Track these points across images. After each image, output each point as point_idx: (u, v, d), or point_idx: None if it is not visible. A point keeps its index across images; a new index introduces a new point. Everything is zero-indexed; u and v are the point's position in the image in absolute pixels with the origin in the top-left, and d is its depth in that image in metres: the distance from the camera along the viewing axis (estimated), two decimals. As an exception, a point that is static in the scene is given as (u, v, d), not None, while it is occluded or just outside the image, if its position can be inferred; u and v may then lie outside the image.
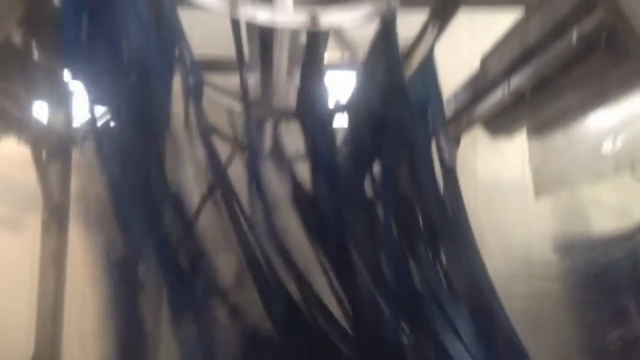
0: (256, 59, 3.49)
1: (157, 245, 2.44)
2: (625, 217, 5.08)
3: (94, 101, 2.45)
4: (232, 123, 3.66)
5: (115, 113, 2.48)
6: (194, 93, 2.74)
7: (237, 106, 3.40)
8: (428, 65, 3.03)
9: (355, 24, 2.69)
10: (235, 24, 2.75)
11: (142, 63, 2.43)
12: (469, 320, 2.77)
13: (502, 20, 4.21)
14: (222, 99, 3.59)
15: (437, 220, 2.91)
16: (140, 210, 2.42)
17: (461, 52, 5.01)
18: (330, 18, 2.64)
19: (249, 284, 2.76)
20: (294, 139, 3.67)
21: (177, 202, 2.53)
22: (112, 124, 2.50)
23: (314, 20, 2.60)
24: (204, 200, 2.88)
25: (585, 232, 5.37)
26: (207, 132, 2.78)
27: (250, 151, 2.94)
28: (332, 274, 2.99)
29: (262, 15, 2.61)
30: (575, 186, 5.08)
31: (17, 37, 3.59)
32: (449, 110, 4.73)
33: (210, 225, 2.83)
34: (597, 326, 4.83)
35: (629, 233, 4.88)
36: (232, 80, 3.56)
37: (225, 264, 2.82)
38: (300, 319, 2.86)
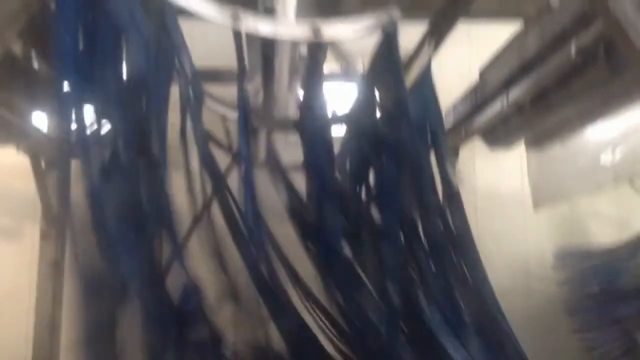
0: (254, 70, 3.50)
1: (142, 269, 2.33)
2: (624, 229, 5.09)
3: (84, 111, 2.39)
4: (226, 131, 3.64)
5: (110, 124, 2.44)
6: (193, 105, 2.74)
7: (234, 115, 3.40)
8: (426, 80, 3.03)
9: (357, 36, 2.70)
10: (237, 36, 2.76)
11: (141, 75, 2.42)
12: (473, 331, 2.76)
13: (501, 32, 4.23)
14: (219, 109, 3.59)
15: (439, 233, 2.90)
16: (125, 228, 2.32)
17: (460, 63, 5.03)
18: (332, 30, 2.64)
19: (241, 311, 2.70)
20: (286, 150, 3.67)
21: (168, 222, 2.44)
22: (102, 133, 2.43)
23: (316, 32, 2.60)
24: (196, 220, 2.84)
25: (584, 244, 5.37)
26: (205, 144, 2.77)
27: (245, 161, 2.91)
28: (327, 286, 2.97)
29: (265, 28, 2.62)
30: (574, 198, 5.09)
31: (17, 47, 3.61)
32: (448, 122, 4.75)
33: (201, 249, 2.77)
34: (597, 336, 4.83)
35: (627, 244, 4.88)
36: (227, 91, 3.57)
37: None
38: (306, 334, 2.84)
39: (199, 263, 2.66)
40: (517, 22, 4.01)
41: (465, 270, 2.92)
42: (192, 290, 2.44)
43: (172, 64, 2.58)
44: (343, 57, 4.20)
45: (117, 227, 2.31)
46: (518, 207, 5.54)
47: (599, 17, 2.88)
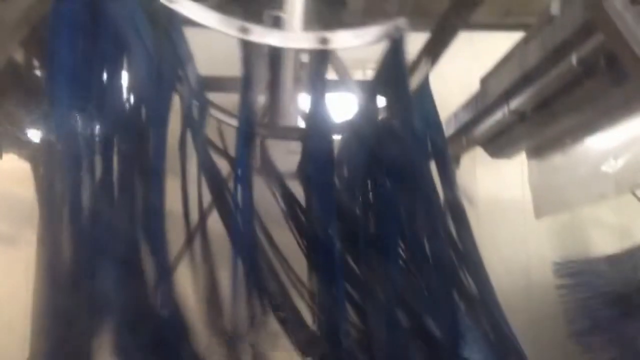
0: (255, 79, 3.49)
1: (122, 291, 2.18)
2: (625, 238, 5.09)
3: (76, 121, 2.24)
4: (220, 134, 3.61)
5: (105, 135, 2.31)
6: (197, 116, 2.72)
7: (235, 122, 3.38)
8: (425, 92, 3.02)
9: (364, 45, 2.69)
10: (245, 47, 2.74)
11: (142, 87, 2.38)
12: (481, 340, 2.76)
13: (503, 41, 4.25)
14: (220, 116, 3.57)
15: (442, 242, 2.89)
16: (109, 243, 2.19)
17: (461, 72, 5.03)
18: (340, 39, 2.64)
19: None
20: (286, 158, 3.65)
21: (158, 242, 2.31)
22: (94, 143, 2.29)
23: (325, 42, 2.60)
24: (190, 240, 2.79)
25: (585, 253, 5.36)
26: (207, 156, 2.74)
27: (243, 169, 2.88)
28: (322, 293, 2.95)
29: (273, 39, 2.62)
30: (575, 207, 5.08)
31: (19, 56, 3.63)
32: (449, 130, 4.76)
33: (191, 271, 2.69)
34: (597, 343, 4.83)
35: (628, 252, 4.88)
36: (223, 97, 3.56)
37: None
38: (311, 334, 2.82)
39: (186, 285, 2.59)
40: (519, 31, 4.02)
41: (469, 279, 2.91)
42: (177, 315, 2.30)
43: (176, 75, 2.56)
44: (339, 67, 4.20)
45: (99, 242, 2.18)
46: (519, 216, 5.54)
47: (600, 29, 2.88)
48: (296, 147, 3.53)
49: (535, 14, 4.17)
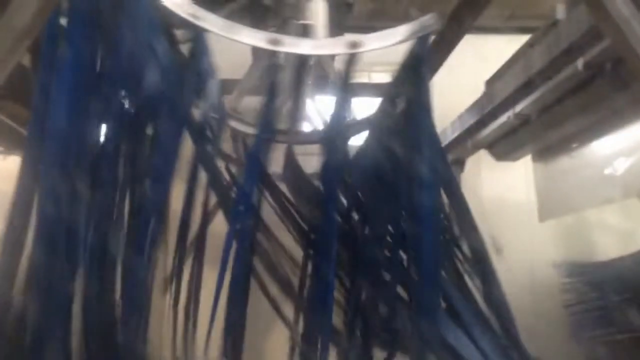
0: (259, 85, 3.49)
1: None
2: (630, 241, 5.08)
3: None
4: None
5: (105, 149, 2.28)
6: (214, 130, 2.71)
7: (250, 129, 3.39)
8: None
9: (394, 45, 2.68)
10: (273, 58, 2.73)
11: (156, 102, 2.35)
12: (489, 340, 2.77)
13: (508, 44, 4.25)
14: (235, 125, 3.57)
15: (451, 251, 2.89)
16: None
17: (467, 75, 5.02)
18: (370, 42, 2.62)
19: None
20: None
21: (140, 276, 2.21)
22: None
23: (355, 45, 2.59)
24: (177, 270, 2.76)
25: (590, 255, 5.36)
26: (218, 175, 2.73)
27: (254, 173, 2.87)
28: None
29: (304, 47, 2.60)
30: (580, 210, 5.08)
31: (25, 61, 3.63)
32: (454, 133, 4.76)
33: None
34: (599, 345, 4.84)
35: (633, 255, 4.88)
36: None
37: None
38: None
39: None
40: (523, 35, 4.02)
41: (477, 279, 2.91)
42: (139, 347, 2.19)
43: (195, 93, 2.53)
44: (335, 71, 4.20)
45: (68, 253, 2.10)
46: (524, 218, 5.52)
47: (606, 33, 2.88)
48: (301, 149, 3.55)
49: (539, 17, 4.18)
